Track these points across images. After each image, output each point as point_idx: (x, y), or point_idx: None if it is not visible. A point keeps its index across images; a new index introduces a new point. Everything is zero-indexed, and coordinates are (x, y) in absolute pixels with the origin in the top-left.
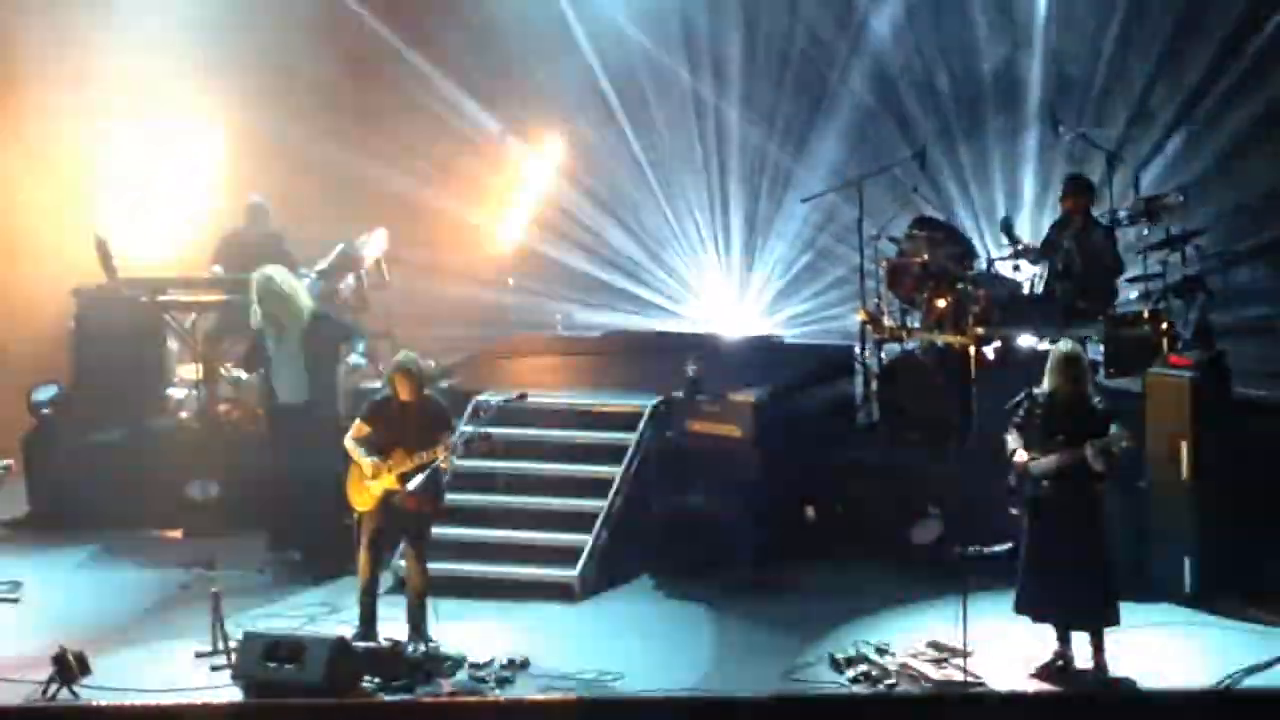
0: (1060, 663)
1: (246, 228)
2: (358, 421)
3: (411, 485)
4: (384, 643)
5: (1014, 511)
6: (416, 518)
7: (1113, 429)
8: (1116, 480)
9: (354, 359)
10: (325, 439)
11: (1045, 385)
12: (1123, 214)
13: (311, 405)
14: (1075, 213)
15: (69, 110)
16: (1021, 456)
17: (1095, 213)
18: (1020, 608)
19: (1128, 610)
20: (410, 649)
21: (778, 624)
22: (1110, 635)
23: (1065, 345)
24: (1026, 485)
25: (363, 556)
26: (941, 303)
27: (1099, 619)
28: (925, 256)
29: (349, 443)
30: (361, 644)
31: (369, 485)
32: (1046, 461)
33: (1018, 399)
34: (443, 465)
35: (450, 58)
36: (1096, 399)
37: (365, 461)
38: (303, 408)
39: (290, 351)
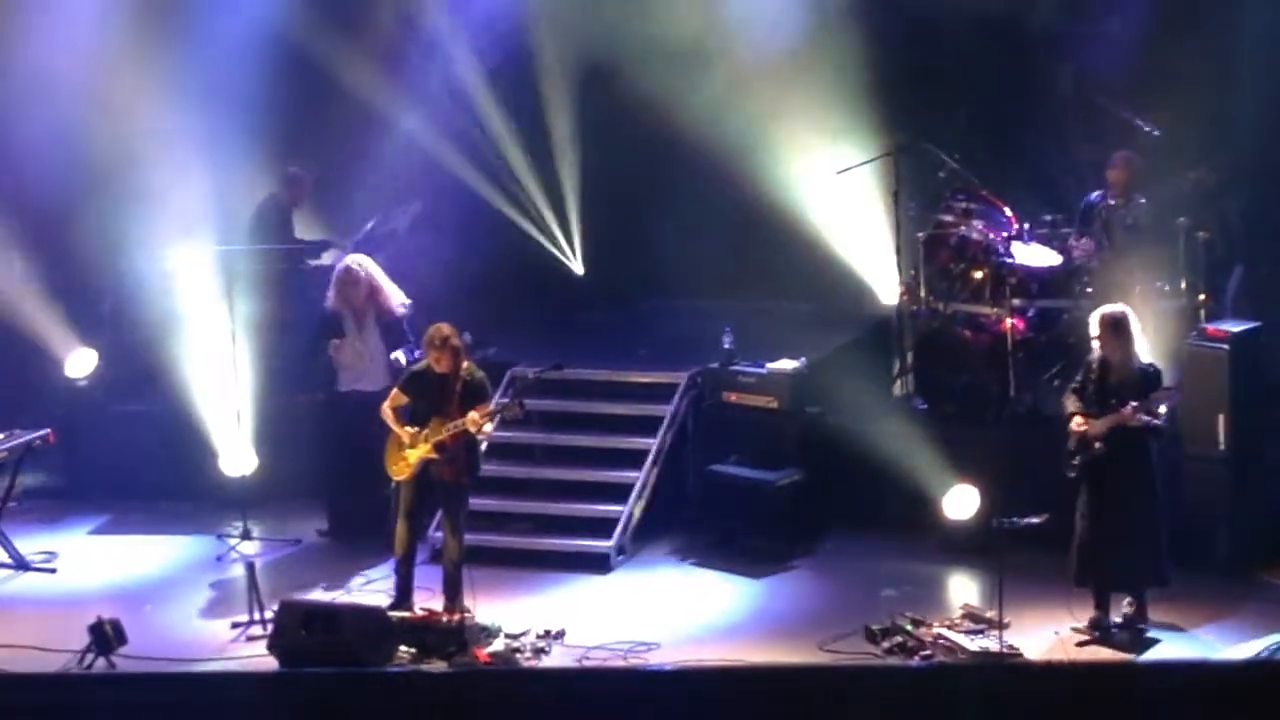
0: (1097, 631)
1: (280, 197)
2: (395, 390)
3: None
4: (419, 613)
5: (1071, 475)
6: (452, 488)
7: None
8: (1161, 438)
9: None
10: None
11: (1095, 350)
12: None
13: (385, 393)
14: (1118, 186)
15: None
16: (1077, 421)
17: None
18: (1079, 578)
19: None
20: (446, 619)
21: (813, 595)
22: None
23: (1109, 308)
24: (1081, 450)
25: (400, 527)
26: (978, 274)
27: (1146, 582)
28: (961, 228)
29: (385, 411)
30: (397, 614)
31: (406, 455)
32: (1098, 424)
33: (1055, 369)
34: (478, 435)
35: None
36: (1146, 361)
37: (401, 431)
38: (377, 395)
39: (365, 340)
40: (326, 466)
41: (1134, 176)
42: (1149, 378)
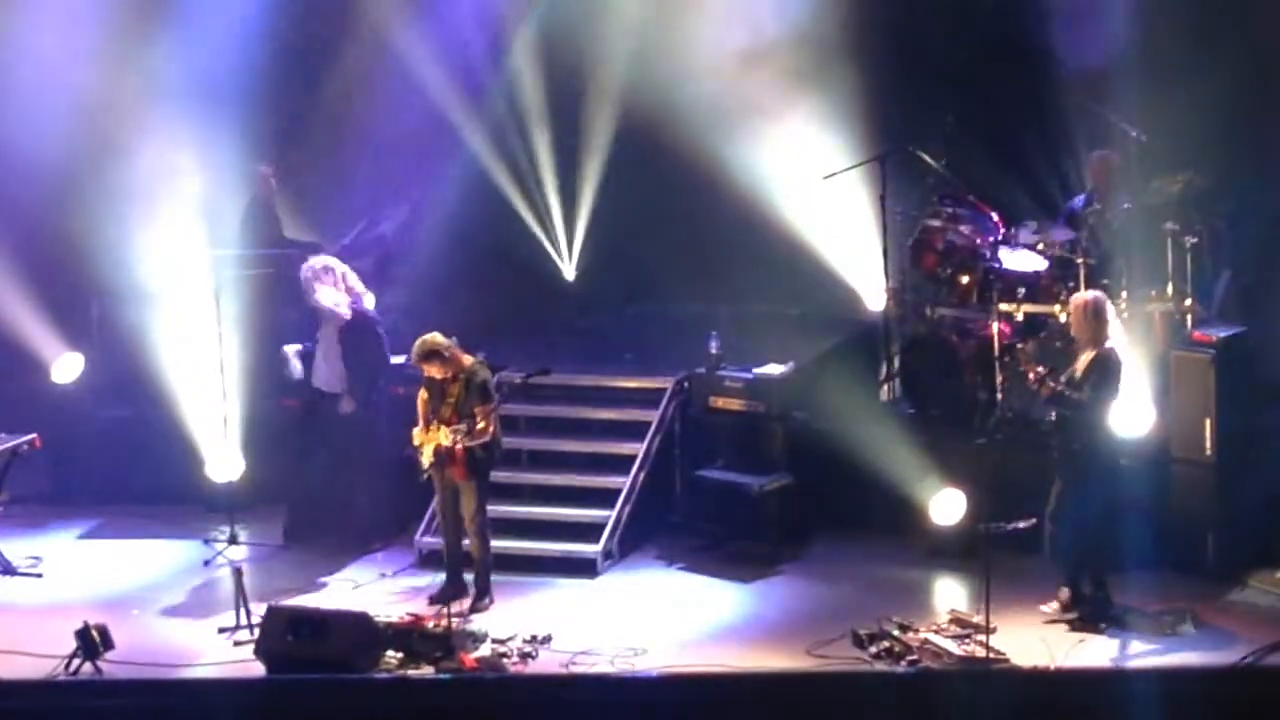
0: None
1: (263, 196)
2: (422, 386)
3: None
4: (405, 617)
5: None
6: (459, 486)
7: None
8: (1072, 408)
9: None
10: (356, 428)
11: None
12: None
13: (335, 397)
14: (1099, 186)
15: None
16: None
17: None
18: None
19: (1149, 585)
20: (433, 625)
21: (800, 599)
22: (1136, 611)
23: (1086, 294)
24: None
25: (441, 524)
26: (965, 278)
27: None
28: (948, 233)
29: (418, 404)
30: (384, 619)
31: (422, 450)
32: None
33: (1043, 373)
34: (454, 445)
35: None
36: (1107, 345)
37: (416, 429)
38: (331, 397)
39: (324, 341)
40: (296, 468)
41: (1113, 175)
42: (1096, 362)
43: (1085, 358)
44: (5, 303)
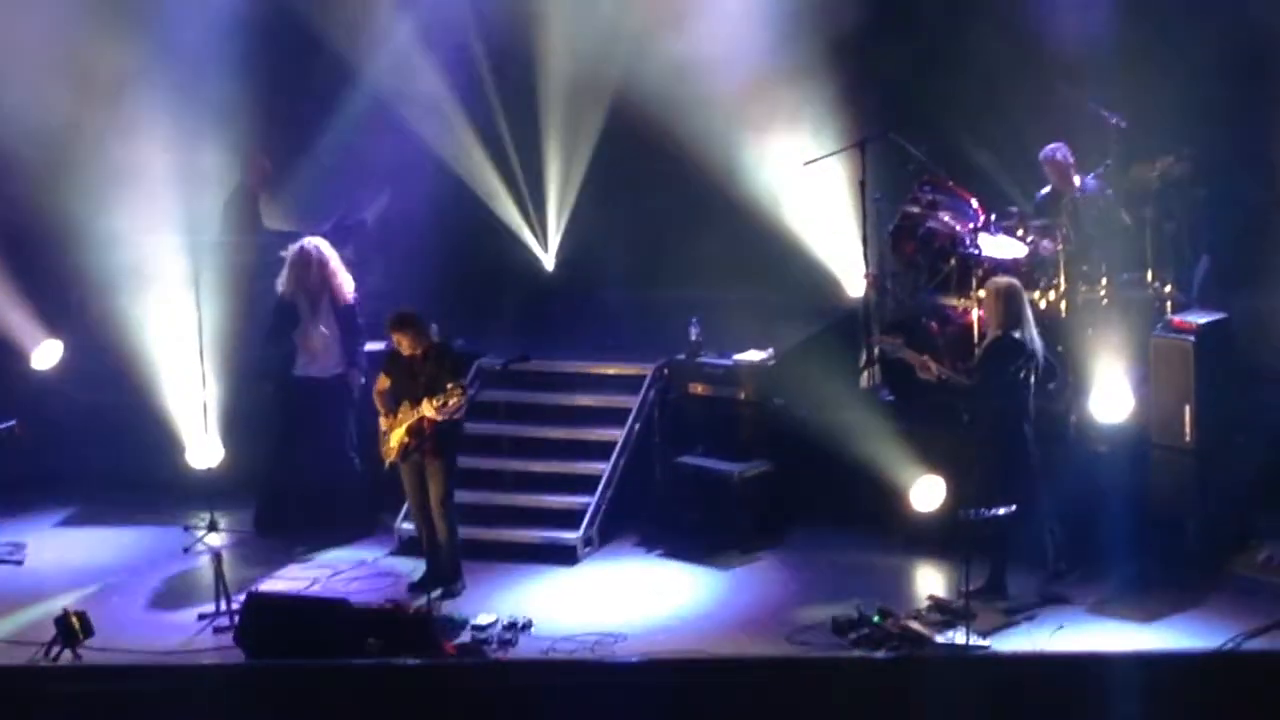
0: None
1: (250, 184)
2: (380, 374)
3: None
4: (385, 604)
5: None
6: (430, 469)
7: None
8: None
9: None
10: (341, 413)
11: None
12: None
13: (336, 380)
14: (1063, 186)
15: None
16: None
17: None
18: None
19: (1128, 571)
20: (413, 611)
21: (780, 586)
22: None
23: (1001, 279)
24: None
25: (413, 512)
26: (945, 265)
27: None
28: (928, 219)
29: (375, 394)
30: (363, 605)
31: (389, 439)
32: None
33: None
34: (438, 417)
35: None
36: (1011, 333)
37: (381, 417)
38: (326, 382)
39: (323, 325)
40: (266, 453)
41: (1069, 168)
42: (985, 345)
43: (985, 343)
44: None
